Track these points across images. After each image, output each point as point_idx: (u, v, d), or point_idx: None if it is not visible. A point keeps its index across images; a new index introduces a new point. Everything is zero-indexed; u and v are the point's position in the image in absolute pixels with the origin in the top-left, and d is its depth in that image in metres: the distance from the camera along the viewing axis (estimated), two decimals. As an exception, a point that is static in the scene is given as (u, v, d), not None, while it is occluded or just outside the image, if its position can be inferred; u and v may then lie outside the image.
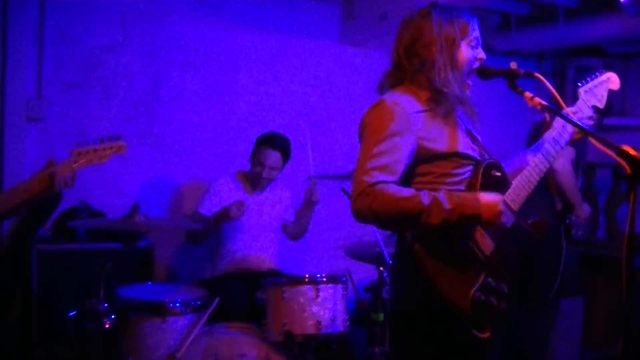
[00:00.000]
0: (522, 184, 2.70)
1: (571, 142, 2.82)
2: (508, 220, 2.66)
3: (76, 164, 3.72)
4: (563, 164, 5.07)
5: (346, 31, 6.18)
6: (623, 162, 2.05)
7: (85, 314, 3.74)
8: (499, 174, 2.73)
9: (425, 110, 2.68)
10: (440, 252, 2.59)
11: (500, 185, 2.70)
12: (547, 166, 2.74)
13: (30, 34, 5.06)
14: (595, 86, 2.91)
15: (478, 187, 2.65)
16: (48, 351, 4.55)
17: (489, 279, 2.59)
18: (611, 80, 2.94)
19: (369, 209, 2.50)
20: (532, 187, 2.71)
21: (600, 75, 2.93)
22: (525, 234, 2.75)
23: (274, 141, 5.00)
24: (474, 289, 2.55)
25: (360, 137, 2.71)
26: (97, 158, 3.78)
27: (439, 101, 2.69)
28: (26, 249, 4.42)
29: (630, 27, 5.35)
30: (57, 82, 5.18)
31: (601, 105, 2.93)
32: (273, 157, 4.95)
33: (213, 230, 4.95)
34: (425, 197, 2.47)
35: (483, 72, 2.75)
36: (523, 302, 5.25)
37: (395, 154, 2.56)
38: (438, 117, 2.69)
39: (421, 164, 2.66)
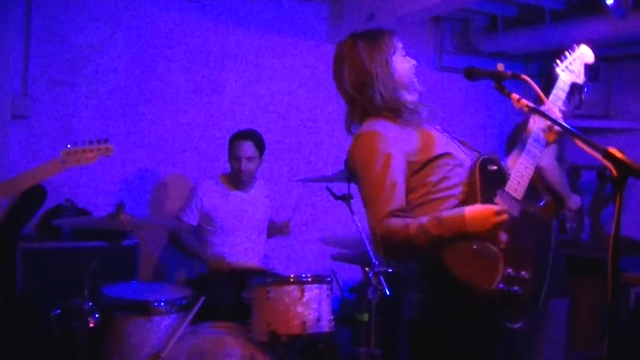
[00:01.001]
0: (520, 173, 2.73)
1: (550, 140, 2.84)
2: (514, 210, 2.68)
3: (65, 164, 3.77)
4: (549, 161, 5.07)
5: (334, 31, 6.18)
6: (609, 165, 2.05)
7: (70, 312, 3.73)
8: (495, 167, 2.75)
9: (400, 129, 2.78)
10: (458, 254, 2.61)
11: (498, 178, 2.73)
12: (534, 163, 2.77)
13: (17, 31, 5.04)
14: (571, 63, 2.96)
15: (478, 184, 2.68)
16: (32, 350, 4.52)
17: (509, 270, 2.61)
18: (585, 53, 2.99)
19: (386, 255, 2.71)
20: (530, 177, 2.74)
21: (573, 51, 2.98)
22: (536, 218, 2.78)
23: (245, 134, 5.06)
24: (496, 282, 2.58)
25: (353, 174, 2.85)
26: (84, 159, 3.86)
27: (404, 116, 2.80)
28: (10, 247, 4.40)
29: (617, 30, 5.37)
30: (43, 80, 5.16)
31: (580, 80, 2.98)
32: (247, 147, 4.97)
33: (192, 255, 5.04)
34: (412, 228, 2.56)
35: (470, 74, 2.76)
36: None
37: (393, 179, 2.67)
38: (411, 130, 2.79)
39: (412, 177, 2.74)
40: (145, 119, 5.54)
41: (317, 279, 4.00)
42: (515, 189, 2.71)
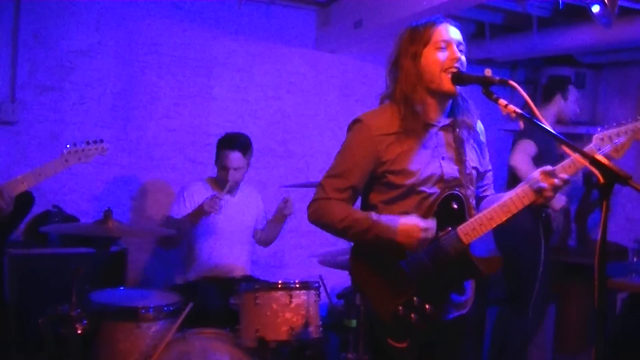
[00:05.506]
0: (481, 222, 2.76)
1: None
2: (455, 249, 2.77)
3: (67, 162, 3.95)
4: (518, 159, 5.04)
5: (322, 38, 6.20)
6: (596, 172, 2.07)
7: (58, 319, 3.72)
8: (456, 206, 2.80)
9: (395, 133, 2.83)
10: (376, 266, 2.84)
11: (455, 217, 2.81)
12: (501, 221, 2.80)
13: (5, 37, 5.04)
14: None
15: (432, 215, 2.80)
16: (20, 356, 4.51)
17: (416, 298, 2.74)
18: None
19: (314, 219, 2.96)
20: (494, 226, 2.76)
21: None
22: (473, 266, 2.80)
23: (232, 142, 5.01)
24: (398, 302, 2.75)
25: None
26: (84, 157, 4.04)
27: (408, 118, 2.84)
28: (-2, 253, 4.38)
29: (602, 37, 5.40)
30: (31, 86, 5.16)
31: None
32: (234, 158, 4.95)
33: (186, 233, 4.93)
34: (349, 218, 2.81)
35: (458, 79, 2.79)
36: (507, 302, 5.32)
37: (352, 171, 2.88)
38: (408, 139, 2.83)
39: (378, 188, 2.89)
40: (133, 125, 5.54)
41: (305, 285, 4.00)
42: (467, 233, 2.77)
